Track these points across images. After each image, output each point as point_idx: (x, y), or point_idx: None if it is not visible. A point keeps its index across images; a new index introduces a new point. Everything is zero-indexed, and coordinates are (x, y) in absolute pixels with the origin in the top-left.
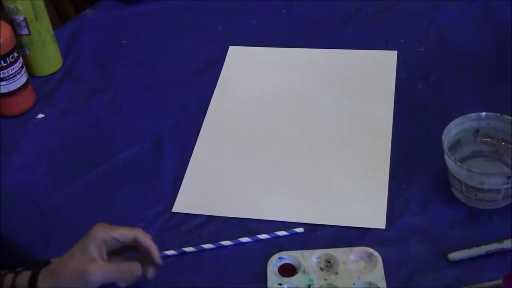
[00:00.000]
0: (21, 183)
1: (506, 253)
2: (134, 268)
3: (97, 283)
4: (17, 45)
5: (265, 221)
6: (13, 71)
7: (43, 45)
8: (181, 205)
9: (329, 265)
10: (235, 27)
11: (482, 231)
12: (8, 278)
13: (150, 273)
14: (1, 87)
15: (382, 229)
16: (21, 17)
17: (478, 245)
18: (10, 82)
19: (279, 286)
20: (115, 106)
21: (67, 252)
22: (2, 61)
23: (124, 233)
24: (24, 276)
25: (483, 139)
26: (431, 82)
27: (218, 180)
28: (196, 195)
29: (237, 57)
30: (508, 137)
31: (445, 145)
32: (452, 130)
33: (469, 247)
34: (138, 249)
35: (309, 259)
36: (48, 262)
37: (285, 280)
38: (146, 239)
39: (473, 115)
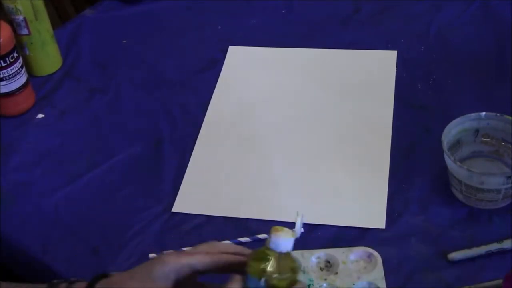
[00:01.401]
0: (21, 183)
1: (506, 253)
2: None
3: None
4: (17, 45)
5: (265, 221)
6: (13, 71)
7: (43, 45)
8: (181, 205)
9: (328, 265)
10: (235, 27)
11: (482, 231)
12: (63, 287)
13: None
14: (1, 87)
15: (382, 229)
16: (21, 17)
17: (478, 245)
18: (10, 82)
19: None
20: (115, 106)
21: (129, 270)
22: (2, 61)
23: (201, 259)
24: (79, 286)
25: (483, 139)
26: (431, 82)
27: (218, 180)
28: (195, 195)
29: (237, 57)
30: (508, 137)
31: (445, 145)
32: (452, 130)
33: (469, 247)
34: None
35: (308, 259)
36: (105, 275)
37: None
38: (224, 259)
39: (473, 115)
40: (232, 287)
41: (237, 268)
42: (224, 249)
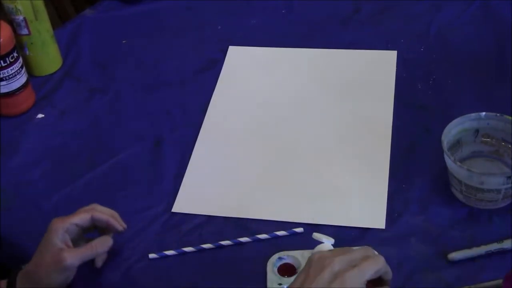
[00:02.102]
0: (21, 183)
1: (506, 253)
2: (104, 240)
3: (75, 266)
4: (17, 45)
5: (265, 221)
6: (13, 71)
7: (43, 45)
8: (181, 205)
9: None
10: (235, 27)
11: (482, 231)
12: None
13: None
14: (1, 87)
15: (382, 229)
16: (21, 17)
17: (478, 245)
18: (10, 82)
19: (279, 286)
20: (115, 106)
21: (34, 255)
22: (2, 61)
23: (81, 216)
24: (2, 284)
25: (483, 139)
26: (431, 82)
27: (218, 180)
28: (196, 195)
29: (237, 57)
30: (508, 137)
31: (445, 145)
32: (452, 130)
33: (469, 247)
34: (99, 226)
35: None
36: (20, 269)
37: (285, 280)
38: (102, 214)
39: (473, 115)
40: (98, 241)
41: (112, 229)
42: (101, 210)
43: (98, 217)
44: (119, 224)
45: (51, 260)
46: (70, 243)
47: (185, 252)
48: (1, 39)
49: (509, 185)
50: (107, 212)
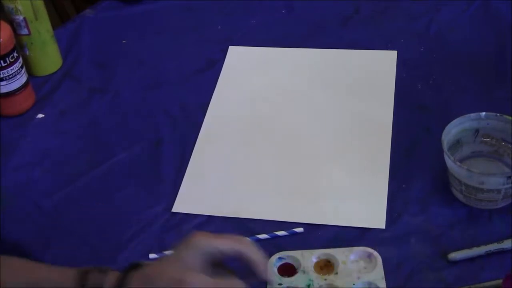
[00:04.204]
0: (21, 183)
1: (506, 253)
2: (235, 285)
3: None
4: (17, 45)
5: (265, 221)
6: (13, 71)
7: (43, 45)
8: (181, 205)
9: (328, 265)
10: (235, 27)
11: (482, 231)
12: (94, 275)
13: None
14: (1, 87)
15: (382, 229)
16: (21, 17)
17: (478, 245)
18: (10, 82)
19: (279, 286)
20: (115, 106)
21: (161, 258)
22: (2, 61)
23: (228, 245)
24: (113, 276)
25: (483, 139)
26: (431, 82)
27: (218, 180)
28: (196, 195)
29: (237, 57)
30: (508, 137)
31: (445, 145)
32: (452, 130)
33: (469, 247)
34: (242, 260)
35: (308, 259)
36: (138, 265)
37: (285, 280)
38: (254, 255)
39: (473, 115)
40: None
41: (257, 276)
42: (255, 250)
43: (249, 258)
44: (265, 273)
45: (172, 276)
46: (203, 267)
47: None
48: (1, 39)
49: (509, 185)
50: (259, 255)
